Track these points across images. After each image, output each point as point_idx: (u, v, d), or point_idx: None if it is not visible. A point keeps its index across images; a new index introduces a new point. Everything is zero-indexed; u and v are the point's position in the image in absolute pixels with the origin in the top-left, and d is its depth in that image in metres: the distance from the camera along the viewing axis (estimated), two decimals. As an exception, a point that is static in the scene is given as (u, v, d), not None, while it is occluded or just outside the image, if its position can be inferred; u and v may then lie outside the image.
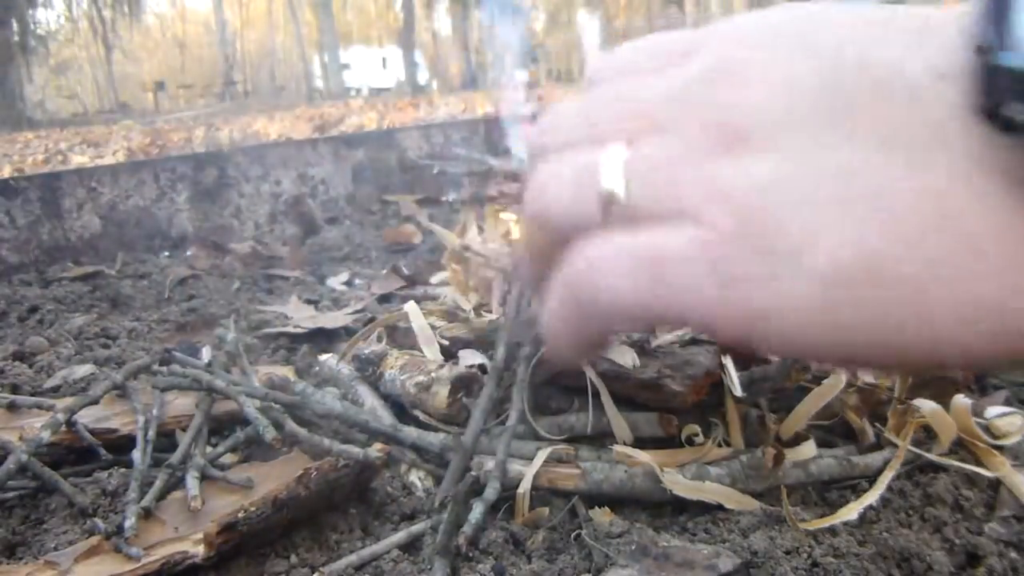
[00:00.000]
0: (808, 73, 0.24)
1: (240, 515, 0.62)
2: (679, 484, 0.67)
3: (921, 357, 0.23)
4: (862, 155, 0.22)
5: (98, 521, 0.66)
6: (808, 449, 0.72)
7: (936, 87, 0.22)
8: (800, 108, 0.24)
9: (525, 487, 0.68)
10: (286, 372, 1.11)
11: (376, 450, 0.71)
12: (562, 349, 0.29)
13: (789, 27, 0.26)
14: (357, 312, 1.36)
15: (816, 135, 0.23)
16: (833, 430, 0.81)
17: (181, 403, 0.94)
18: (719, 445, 0.76)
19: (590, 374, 0.79)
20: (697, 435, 0.76)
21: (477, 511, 0.65)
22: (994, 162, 0.21)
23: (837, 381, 0.77)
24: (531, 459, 0.72)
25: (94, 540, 0.62)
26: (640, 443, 0.78)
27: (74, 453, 0.84)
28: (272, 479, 0.69)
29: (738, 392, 0.76)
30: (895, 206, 0.22)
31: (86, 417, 0.88)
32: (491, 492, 0.66)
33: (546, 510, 0.69)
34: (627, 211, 0.26)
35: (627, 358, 0.81)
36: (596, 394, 0.81)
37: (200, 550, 0.60)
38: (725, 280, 0.23)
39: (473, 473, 0.76)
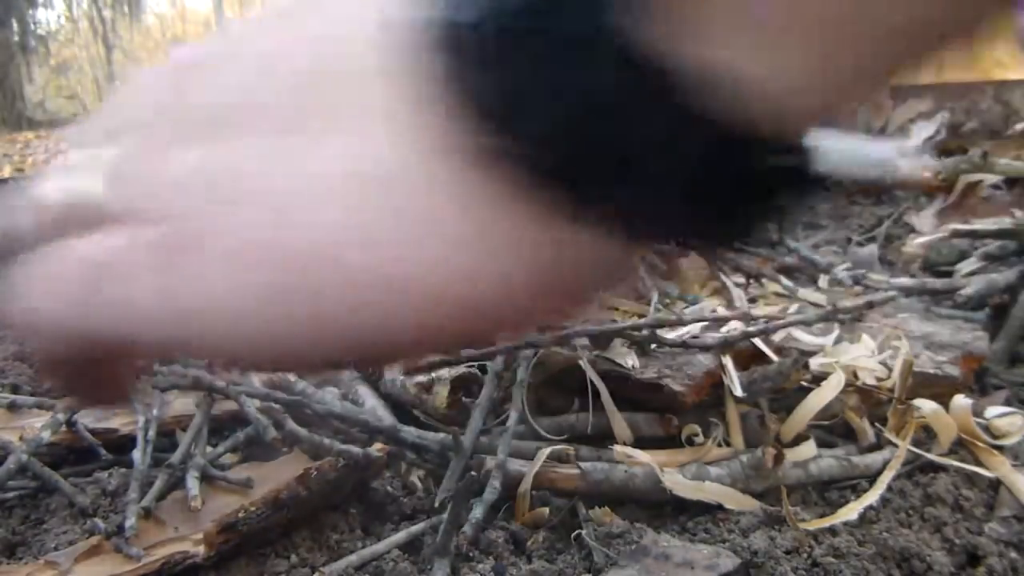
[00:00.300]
0: (264, 61, 0.23)
1: (240, 515, 0.62)
2: (679, 484, 0.67)
3: (373, 349, 0.21)
4: (302, 139, 0.21)
5: (98, 521, 0.66)
6: (808, 449, 0.72)
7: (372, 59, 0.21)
8: (259, 95, 0.23)
9: (525, 487, 0.68)
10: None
11: (376, 449, 0.71)
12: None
13: (260, 23, 0.26)
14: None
15: (267, 123, 0.22)
16: (833, 430, 0.81)
17: (181, 403, 0.94)
18: (719, 445, 0.76)
19: (591, 374, 0.79)
20: (697, 435, 0.76)
21: (477, 511, 0.65)
22: (428, 133, 0.20)
23: (837, 381, 0.77)
24: (531, 459, 0.72)
25: (94, 540, 0.62)
26: (640, 443, 0.78)
27: (74, 453, 0.84)
28: (272, 479, 0.69)
29: (738, 392, 0.77)
30: (328, 190, 0.21)
31: (86, 417, 0.88)
32: (491, 492, 0.66)
33: (546, 510, 0.69)
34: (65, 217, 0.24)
35: (628, 359, 0.81)
36: (596, 394, 0.81)
37: (200, 550, 0.60)
38: (160, 284, 0.22)
39: (472, 473, 0.76)
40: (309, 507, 0.67)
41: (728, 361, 0.78)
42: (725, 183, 0.20)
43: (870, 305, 0.96)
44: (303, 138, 0.21)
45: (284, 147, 0.22)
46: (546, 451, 0.71)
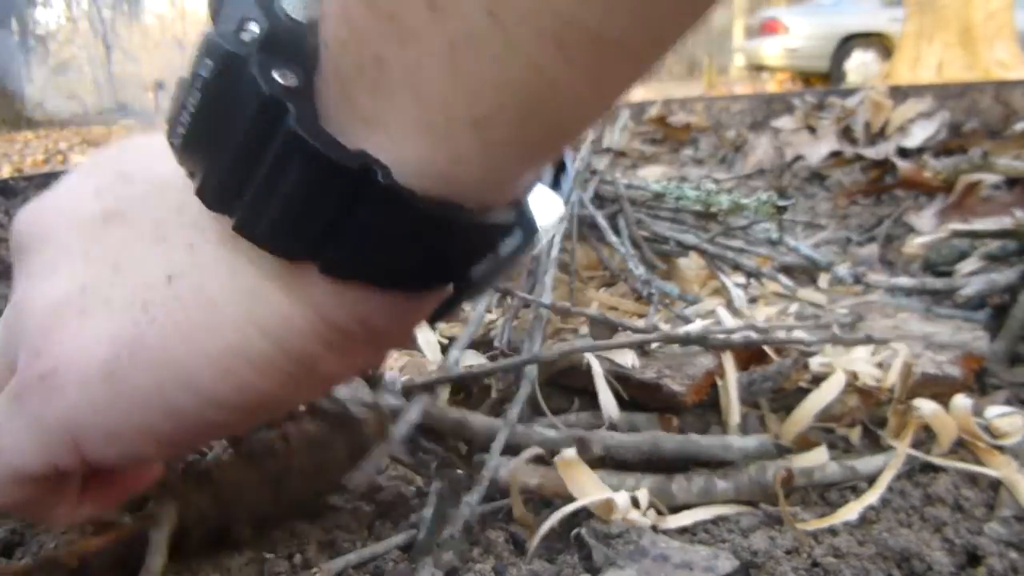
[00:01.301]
0: (88, 193, 0.28)
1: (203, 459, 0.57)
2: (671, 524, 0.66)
3: (189, 421, 0.25)
4: (128, 251, 0.26)
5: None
6: (819, 456, 0.72)
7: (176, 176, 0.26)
8: (79, 223, 0.27)
9: (515, 488, 0.67)
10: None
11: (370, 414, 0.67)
12: None
13: (96, 161, 0.30)
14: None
15: (87, 247, 0.26)
16: (833, 431, 0.81)
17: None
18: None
19: (595, 366, 0.79)
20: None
21: (465, 512, 0.65)
22: (213, 229, 0.25)
23: (838, 381, 0.77)
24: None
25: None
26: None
27: None
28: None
29: (735, 401, 0.76)
30: (146, 286, 0.25)
31: None
32: (475, 497, 0.65)
33: (547, 510, 0.68)
34: None
35: (627, 358, 0.81)
36: (594, 395, 0.81)
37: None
38: (35, 414, 0.26)
39: (459, 471, 0.76)
40: (295, 469, 0.62)
41: (728, 362, 0.78)
42: (439, 248, 0.24)
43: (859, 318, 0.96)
44: (140, 247, 0.26)
45: (118, 260, 0.26)
46: (527, 453, 0.70)
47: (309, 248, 0.24)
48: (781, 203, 1.17)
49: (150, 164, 0.27)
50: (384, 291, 0.25)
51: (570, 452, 0.66)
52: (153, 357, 0.24)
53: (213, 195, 0.24)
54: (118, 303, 0.25)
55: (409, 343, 0.27)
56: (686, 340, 0.78)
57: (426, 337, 0.98)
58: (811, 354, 0.84)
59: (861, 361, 0.84)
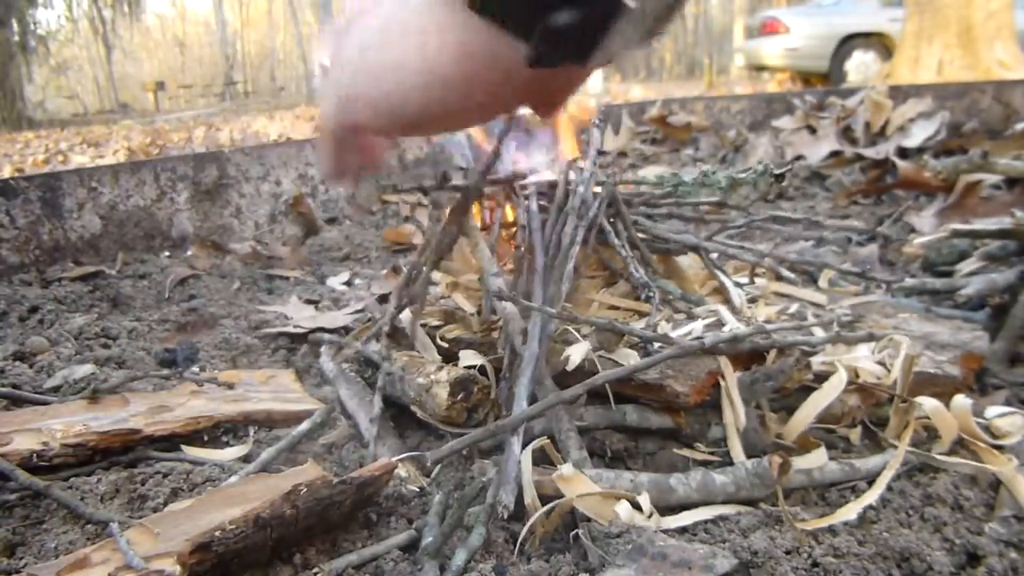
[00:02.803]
0: None
1: (216, 534, 0.59)
2: (671, 524, 0.66)
3: (410, 112, 0.39)
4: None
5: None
6: (818, 457, 0.72)
7: None
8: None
9: (531, 496, 0.67)
10: (287, 373, 1.11)
11: (376, 468, 0.69)
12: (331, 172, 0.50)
13: None
14: (357, 312, 1.36)
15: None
16: (833, 431, 0.81)
17: (194, 404, 0.94)
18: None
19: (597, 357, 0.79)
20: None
21: (476, 535, 0.65)
22: None
23: (839, 381, 0.77)
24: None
25: (80, 553, 0.59)
26: (649, 434, 0.79)
27: (99, 453, 0.84)
28: (260, 495, 0.64)
29: (737, 401, 0.76)
30: (381, 27, 0.39)
31: (105, 419, 0.88)
32: (476, 538, 0.64)
33: (548, 509, 0.68)
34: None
35: (630, 359, 0.81)
36: (599, 393, 0.81)
37: (176, 569, 0.56)
38: (330, 85, 0.43)
39: (472, 476, 0.76)
40: (299, 526, 0.64)
41: (727, 367, 0.78)
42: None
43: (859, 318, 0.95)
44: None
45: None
46: (528, 458, 0.70)
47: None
48: (778, 171, 1.17)
49: None
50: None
51: (568, 468, 0.66)
52: (386, 42, 0.38)
53: None
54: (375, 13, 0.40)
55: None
56: (700, 350, 0.77)
57: (423, 340, 0.98)
58: (813, 353, 0.84)
59: (863, 359, 0.84)
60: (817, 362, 0.83)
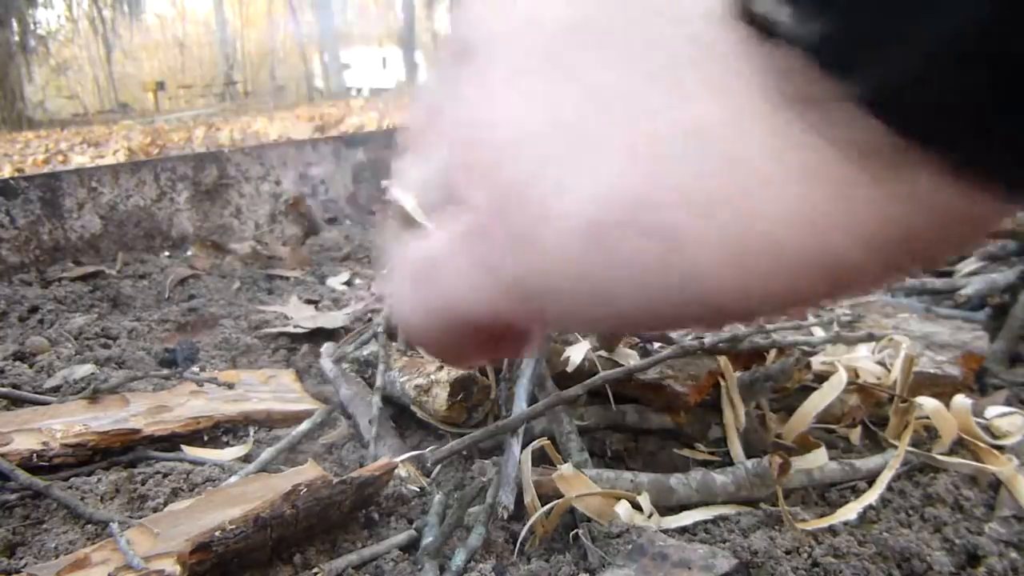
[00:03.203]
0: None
1: (216, 534, 0.59)
2: (671, 524, 0.66)
3: (698, 312, 0.20)
4: (615, 82, 0.20)
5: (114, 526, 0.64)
6: (819, 457, 0.72)
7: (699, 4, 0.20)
8: (546, 31, 0.21)
9: (531, 496, 0.67)
10: (287, 373, 1.11)
11: (377, 468, 0.69)
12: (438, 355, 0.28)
13: None
14: (357, 312, 1.36)
15: (566, 63, 0.21)
16: (833, 431, 0.81)
17: (194, 404, 0.94)
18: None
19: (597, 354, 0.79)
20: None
21: (476, 535, 0.65)
22: (762, 77, 0.19)
23: (839, 381, 0.77)
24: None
25: (80, 554, 0.59)
26: (649, 434, 0.79)
27: (99, 453, 0.84)
28: (261, 494, 0.64)
29: (737, 402, 0.76)
30: (651, 140, 0.19)
31: (105, 419, 0.88)
32: (476, 538, 0.65)
33: (548, 509, 0.68)
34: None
35: (630, 359, 0.81)
36: (599, 393, 0.81)
37: (176, 569, 0.57)
38: (490, 262, 0.22)
39: (472, 475, 0.76)
40: (300, 526, 0.64)
41: (727, 367, 0.78)
42: None
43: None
44: (616, 83, 0.20)
45: (605, 93, 0.20)
46: (528, 458, 0.69)
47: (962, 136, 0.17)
48: None
49: None
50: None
51: (568, 468, 0.66)
52: (659, 222, 0.19)
53: (833, 47, 0.18)
54: (609, 148, 0.20)
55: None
56: (699, 350, 0.77)
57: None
58: (813, 353, 0.84)
59: (863, 359, 0.84)
60: (817, 362, 0.83)
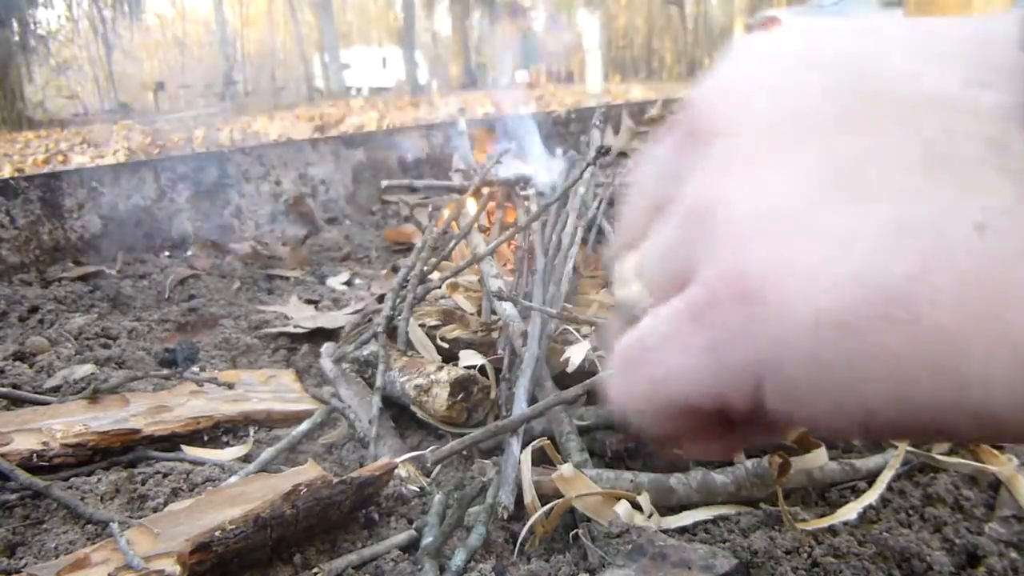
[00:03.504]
0: (812, 87, 0.21)
1: (216, 534, 0.59)
2: (671, 524, 0.66)
3: (966, 421, 0.18)
4: (871, 168, 0.19)
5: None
6: (819, 457, 0.72)
7: (977, 96, 0.19)
8: (801, 118, 0.21)
9: (531, 496, 0.67)
10: (287, 373, 1.11)
11: (377, 468, 0.69)
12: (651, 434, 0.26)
13: (799, 42, 0.23)
14: (357, 312, 1.36)
15: (828, 147, 0.20)
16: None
17: (194, 404, 0.94)
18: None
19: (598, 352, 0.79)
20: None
21: (476, 535, 0.65)
22: None
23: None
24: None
25: (80, 554, 0.59)
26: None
27: (99, 453, 0.84)
28: (261, 494, 0.64)
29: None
30: (933, 233, 0.18)
31: (105, 419, 0.88)
32: (476, 538, 0.65)
33: (548, 509, 0.69)
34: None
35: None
36: (599, 393, 0.81)
37: (176, 569, 0.57)
38: (719, 342, 0.21)
39: (472, 475, 0.76)
40: (300, 526, 0.64)
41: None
42: None
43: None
44: (886, 174, 0.19)
45: (873, 181, 0.19)
46: (528, 458, 0.70)
47: None
48: None
49: (914, 68, 0.20)
50: None
51: (568, 468, 0.66)
52: (914, 316, 0.18)
53: None
54: (864, 235, 0.18)
55: None
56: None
57: (422, 341, 0.98)
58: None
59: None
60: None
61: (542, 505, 0.65)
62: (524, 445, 0.70)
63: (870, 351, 0.18)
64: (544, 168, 1.51)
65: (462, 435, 0.84)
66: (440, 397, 0.84)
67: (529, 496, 0.66)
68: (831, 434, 0.21)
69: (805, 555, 0.60)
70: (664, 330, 0.22)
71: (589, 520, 0.65)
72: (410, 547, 0.67)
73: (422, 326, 1.00)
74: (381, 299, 1.39)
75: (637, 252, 0.25)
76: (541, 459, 0.71)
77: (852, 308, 0.18)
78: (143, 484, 0.78)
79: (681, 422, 0.23)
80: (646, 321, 0.23)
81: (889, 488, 0.68)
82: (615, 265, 0.27)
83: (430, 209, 1.45)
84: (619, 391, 0.24)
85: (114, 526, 0.61)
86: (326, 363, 1.05)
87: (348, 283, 1.68)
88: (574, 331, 0.88)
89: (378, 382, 0.89)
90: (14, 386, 1.08)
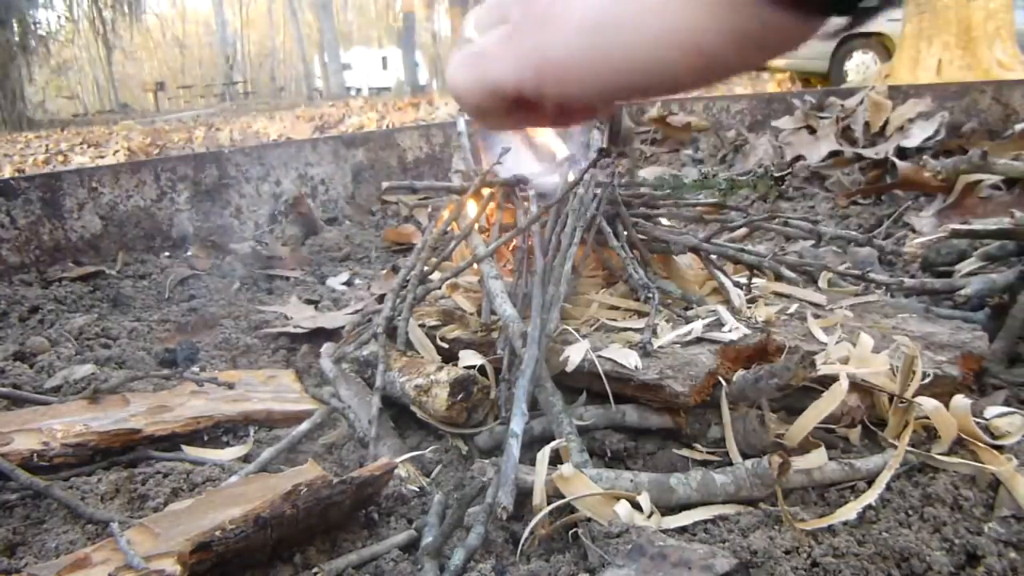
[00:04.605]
0: None
1: (217, 534, 0.59)
2: (671, 524, 0.66)
3: (650, 78, 0.33)
4: None
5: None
6: (818, 458, 0.72)
7: None
8: None
9: (540, 500, 0.67)
10: (287, 373, 1.11)
11: (377, 467, 0.70)
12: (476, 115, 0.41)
13: None
14: (357, 312, 1.36)
15: None
16: (833, 431, 0.81)
17: (194, 404, 0.94)
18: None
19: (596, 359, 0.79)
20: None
21: (476, 535, 0.65)
22: None
23: (841, 389, 0.77)
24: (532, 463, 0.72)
25: (80, 553, 0.59)
26: (649, 434, 0.79)
27: (99, 453, 0.84)
28: (261, 494, 0.64)
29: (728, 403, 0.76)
30: None
31: (105, 419, 0.88)
32: (476, 538, 0.65)
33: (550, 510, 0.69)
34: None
35: (630, 359, 0.81)
36: (599, 393, 0.81)
37: (176, 569, 0.57)
38: (519, 49, 0.35)
39: (472, 476, 0.76)
40: (300, 526, 0.64)
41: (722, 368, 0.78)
42: None
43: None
44: None
45: None
46: (546, 456, 0.70)
47: None
48: (778, 174, 1.17)
49: None
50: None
51: (568, 468, 0.66)
52: (628, 24, 0.32)
53: None
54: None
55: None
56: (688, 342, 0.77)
57: (422, 341, 0.98)
58: (816, 352, 0.84)
59: (865, 360, 0.84)
60: (820, 362, 0.83)
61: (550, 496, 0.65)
62: (524, 445, 0.70)
63: (606, 41, 0.33)
64: (544, 168, 1.51)
65: (462, 435, 0.84)
66: (440, 397, 0.84)
67: (539, 497, 0.66)
68: (583, 95, 0.34)
69: (805, 555, 0.60)
70: (488, 43, 0.36)
71: (589, 520, 0.65)
72: (410, 547, 0.67)
73: (422, 326, 1.00)
74: (381, 299, 1.39)
75: (475, 14, 0.39)
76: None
77: (602, 21, 0.33)
78: (143, 484, 0.78)
79: (492, 102, 0.37)
80: (478, 40, 0.37)
81: (888, 488, 0.68)
82: (464, 22, 0.41)
83: (430, 209, 1.45)
84: (457, 81, 0.38)
85: (114, 526, 0.61)
86: (326, 363, 1.05)
87: (348, 283, 1.68)
88: (573, 332, 0.88)
89: (378, 382, 0.89)
90: (14, 386, 1.08)
